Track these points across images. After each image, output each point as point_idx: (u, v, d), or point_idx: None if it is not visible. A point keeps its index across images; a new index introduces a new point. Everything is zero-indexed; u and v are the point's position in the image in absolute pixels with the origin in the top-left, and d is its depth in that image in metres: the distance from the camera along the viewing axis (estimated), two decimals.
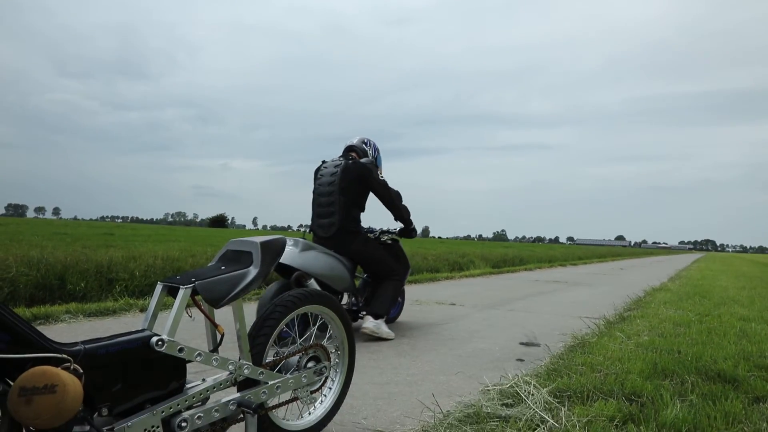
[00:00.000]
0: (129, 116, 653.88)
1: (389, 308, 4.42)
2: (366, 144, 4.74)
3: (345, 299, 4.82)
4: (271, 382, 1.98)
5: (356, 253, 4.41)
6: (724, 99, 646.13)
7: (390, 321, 4.91)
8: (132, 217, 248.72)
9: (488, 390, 2.78)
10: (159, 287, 1.80)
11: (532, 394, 2.63)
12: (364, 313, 4.42)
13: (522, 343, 4.30)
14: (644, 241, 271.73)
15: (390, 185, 4.57)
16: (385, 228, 4.94)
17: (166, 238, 15.47)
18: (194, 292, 1.78)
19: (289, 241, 4.13)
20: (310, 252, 4.13)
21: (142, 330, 1.68)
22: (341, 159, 4.49)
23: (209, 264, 2.02)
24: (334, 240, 4.35)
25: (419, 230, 5.05)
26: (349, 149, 4.69)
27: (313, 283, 4.05)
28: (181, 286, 1.75)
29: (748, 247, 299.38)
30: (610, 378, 2.93)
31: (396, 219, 4.74)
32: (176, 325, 1.71)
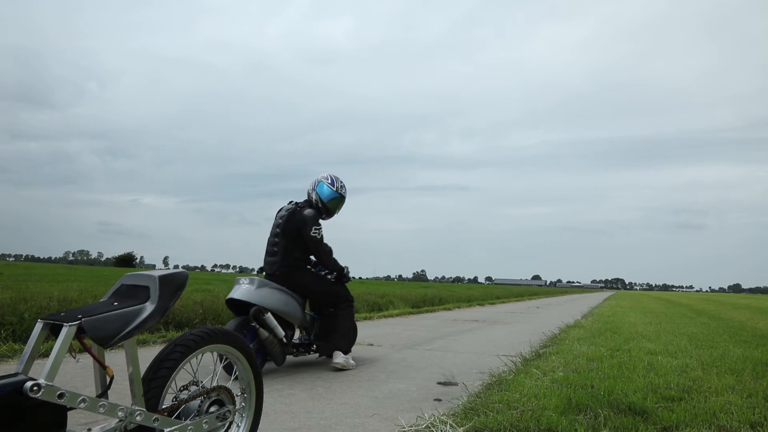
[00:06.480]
0: (29, 146, 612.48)
1: (353, 339, 4.84)
2: (330, 182, 4.89)
3: (297, 334, 4.97)
4: (167, 430, 1.79)
5: (305, 287, 4.72)
6: (627, 145, 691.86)
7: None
8: (27, 255, 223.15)
9: (404, 431, 2.69)
10: (39, 325, 1.60)
11: None
12: (314, 348, 4.77)
13: (440, 383, 4.25)
14: (559, 281, 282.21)
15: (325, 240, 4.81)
16: (324, 272, 5.07)
17: (65, 278, 14.45)
18: (81, 330, 1.60)
19: (245, 279, 4.50)
20: (264, 289, 4.41)
21: (15, 374, 1.48)
22: (293, 204, 4.88)
23: (101, 300, 1.84)
24: (279, 277, 4.63)
25: None
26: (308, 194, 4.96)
27: (270, 317, 4.23)
28: (64, 324, 1.57)
29: (653, 284, 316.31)
30: (526, 415, 2.91)
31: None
32: (57, 367, 1.52)
